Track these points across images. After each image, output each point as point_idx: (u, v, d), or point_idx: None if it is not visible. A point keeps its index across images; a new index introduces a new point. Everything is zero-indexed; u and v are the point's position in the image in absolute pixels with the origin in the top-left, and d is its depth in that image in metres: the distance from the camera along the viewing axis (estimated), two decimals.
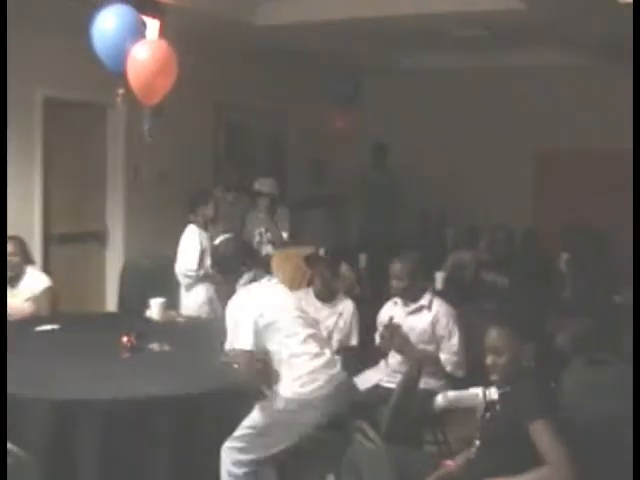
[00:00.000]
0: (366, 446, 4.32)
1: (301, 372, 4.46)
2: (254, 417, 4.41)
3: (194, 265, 6.78)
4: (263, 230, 7.94)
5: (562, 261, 7.75)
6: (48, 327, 5.58)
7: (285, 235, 8.00)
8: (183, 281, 6.89)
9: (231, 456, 4.36)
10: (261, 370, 4.49)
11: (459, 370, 5.53)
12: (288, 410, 4.41)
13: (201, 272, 6.80)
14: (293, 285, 6.66)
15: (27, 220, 7.23)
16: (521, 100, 10.53)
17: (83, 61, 7.07)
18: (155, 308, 5.99)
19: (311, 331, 4.65)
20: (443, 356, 5.51)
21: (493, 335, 3.61)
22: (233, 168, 9.39)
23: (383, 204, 10.24)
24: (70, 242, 8.04)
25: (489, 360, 3.60)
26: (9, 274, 6.19)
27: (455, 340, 5.52)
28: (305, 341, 4.55)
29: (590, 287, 7.03)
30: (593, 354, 4.76)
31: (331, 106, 10.22)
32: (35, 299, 6.20)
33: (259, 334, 4.44)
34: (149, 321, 5.91)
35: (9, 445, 3.22)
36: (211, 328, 6.02)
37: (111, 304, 8.13)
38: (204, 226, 7.00)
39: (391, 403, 4.64)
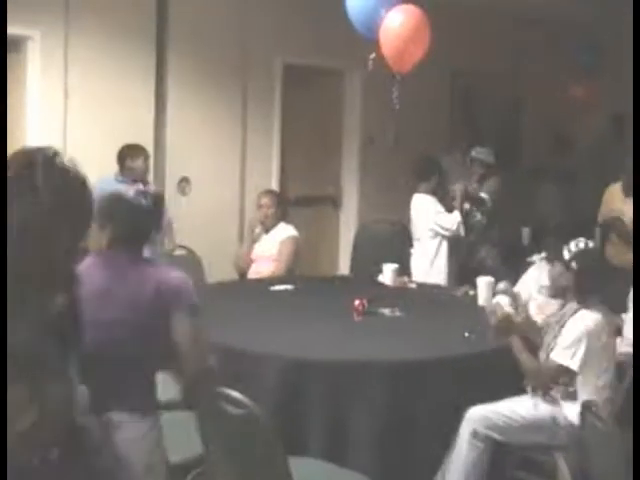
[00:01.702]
0: (597, 426, 4.20)
1: None
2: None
3: (454, 225, 6.83)
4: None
5: None
6: (282, 287, 5.74)
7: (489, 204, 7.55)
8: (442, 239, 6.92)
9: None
10: None
11: None
12: None
13: (459, 233, 6.88)
14: None
15: (265, 182, 7.45)
16: None
17: (322, 28, 7.25)
18: (388, 273, 6.04)
19: None
20: None
21: None
22: (468, 135, 9.24)
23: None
24: (305, 205, 8.25)
25: None
26: (265, 224, 6.50)
27: None
28: None
29: None
30: None
31: (572, 74, 9.88)
32: (280, 243, 6.43)
33: None
34: (381, 286, 5.97)
35: (240, 396, 3.31)
36: (444, 296, 6.02)
37: (344, 267, 8.27)
38: (433, 193, 6.98)
39: (625, 383, 4.48)
